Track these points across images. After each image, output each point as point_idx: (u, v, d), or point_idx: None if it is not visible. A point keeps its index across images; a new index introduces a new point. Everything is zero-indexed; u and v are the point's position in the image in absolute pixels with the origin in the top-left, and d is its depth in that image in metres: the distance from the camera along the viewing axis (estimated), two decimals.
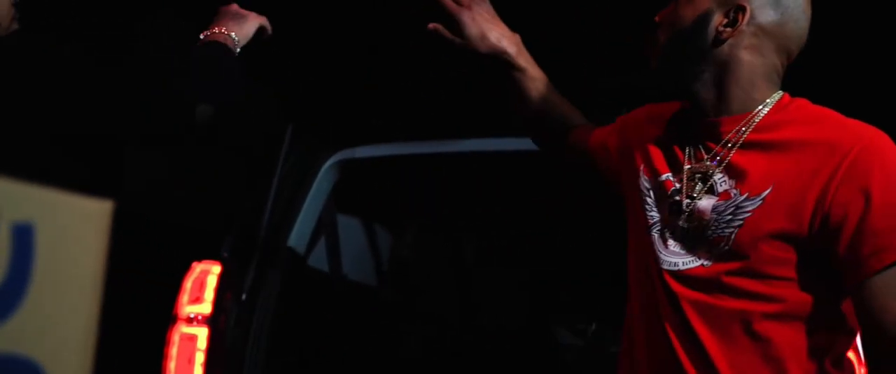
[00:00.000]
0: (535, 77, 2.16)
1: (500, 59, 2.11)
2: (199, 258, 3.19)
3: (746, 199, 1.66)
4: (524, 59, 2.15)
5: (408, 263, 4.10)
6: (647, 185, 1.85)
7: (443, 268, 3.99)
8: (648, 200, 1.83)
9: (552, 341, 3.30)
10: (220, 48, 2.05)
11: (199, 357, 3.09)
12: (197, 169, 5.56)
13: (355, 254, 3.92)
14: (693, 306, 1.70)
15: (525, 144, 3.41)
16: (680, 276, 1.73)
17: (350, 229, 3.87)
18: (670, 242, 1.75)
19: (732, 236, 1.66)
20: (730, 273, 1.66)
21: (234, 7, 2.19)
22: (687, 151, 1.79)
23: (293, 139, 3.35)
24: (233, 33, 2.11)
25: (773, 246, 1.63)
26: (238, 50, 2.12)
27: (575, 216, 3.87)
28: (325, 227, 3.58)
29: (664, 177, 1.81)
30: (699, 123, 1.78)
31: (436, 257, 4.10)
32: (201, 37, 2.12)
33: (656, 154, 1.85)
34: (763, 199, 1.64)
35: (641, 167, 1.88)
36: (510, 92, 2.15)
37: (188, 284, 3.17)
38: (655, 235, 1.79)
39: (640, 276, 1.85)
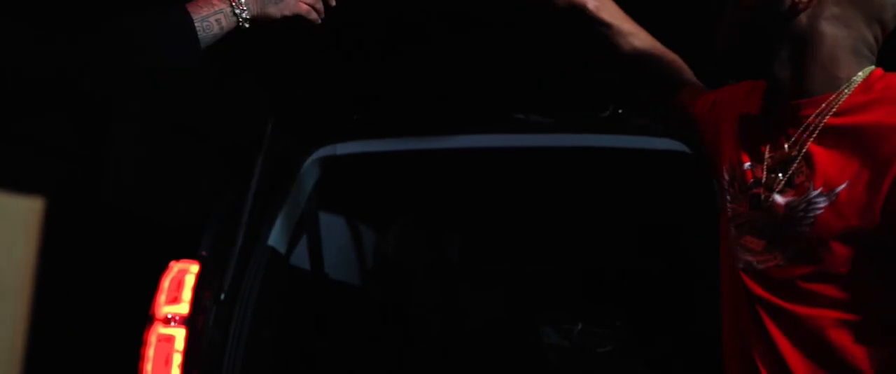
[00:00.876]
0: (624, 32, 2.00)
1: (580, 15, 1.97)
2: (177, 257, 3.11)
3: (819, 194, 1.49)
4: (608, 14, 1.99)
5: (391, 261, 4.03)
6: (729, 174, 1.69)
7: (427, 266, 3.93)
8: (731, 190, 1.68)
9: (538, 341, 3.25)
10: (185, 20, 1.88)
11: (177, 359, 3.01)
12: (175, 165, 5.47)
13: (337, 252, 3.84)
14: (766, 310, 1.56)
15: (510, 140, 3.40)
16: (756, 275, 1.58)
17: (332, 227, 3.80)
18: (749, 238, 1.60)
19: (804, 236, 1.50)
20: (803, 276, 1.51)
21: None
22: (769, 138, 1.62)
23: (273, 135, 3.26)
24: (241, 5, 1.90)
25: (848, 248, 1.46)
26: (244, 23, 1.91)
27: (561, 215, 3.82)
28: (306, 225, 3.50)
29: (746, 166, 1.65)
30: (780, 107, 1.59)
31: (419, 255, 4.04)
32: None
33: (740, 140, 1.68)
34: (837, 195, 1.46)
35: (725, 153, 1.72)
36: (602, 48, 2.00)
37: (165, 283, 3.10)
38: (734, 229, 1.64)
39: (726, 269, 1.69)
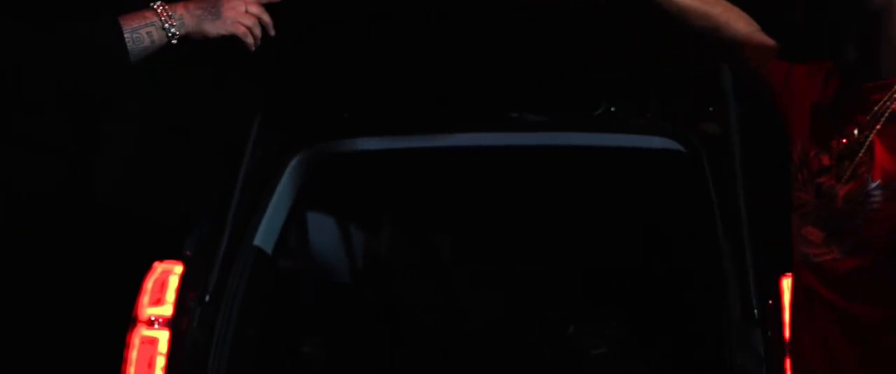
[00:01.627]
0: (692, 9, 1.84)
1: None
2: (161, 257, 3.04)
3: (877, 186, 1.40)
4: None
5: (382, 262, 3.96)
6: (799, 159, 1.60)
7: (418, 267, 3.86)
8: (799, 176, 1.59)
9: (531, 342, 3.18)
10: (114, 31, 1.87)
11: (160, 362, 2.93)
12: (166, 163, 5.41)
13: (326, 252, 3.78)
14: (819, 303, 1.48)
15: (502, 139, 3.34)
16: (812, 267, 1.50)
17: (320, 226, 3.73)
18: (810, 228, 1.52)
19: (859, 230, 1.42)
20: (857, 272, 1.43)
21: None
22: (839, 124, 1.52)
23: (260, 132, 3.19)
24: (172, 20, 1.92)
25: None
26: (172, 39, 1.93)
27: (555, 214, 3.77)
28: (294, 224, 3.44)
29: (814, 154, 1.56)
30: (851, 91, 1.51)
31: (410, 254, 3.96)
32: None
33: (811, 125, 1.59)
34: (894, 188, 1.38)
35: (796, 138, 1.62)
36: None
37: (149, 284, 3.03)
38: (798, 218, 1.56)
39: (795, 258, 1.60)
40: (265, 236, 3.21)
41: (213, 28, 1.96)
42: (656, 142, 3.04)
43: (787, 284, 2.57)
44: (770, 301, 2.57)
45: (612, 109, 3.05)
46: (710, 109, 3.00)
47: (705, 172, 2.88)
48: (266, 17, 2.03)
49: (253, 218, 3.16)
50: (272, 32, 2.04)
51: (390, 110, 3.38)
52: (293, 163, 3.30)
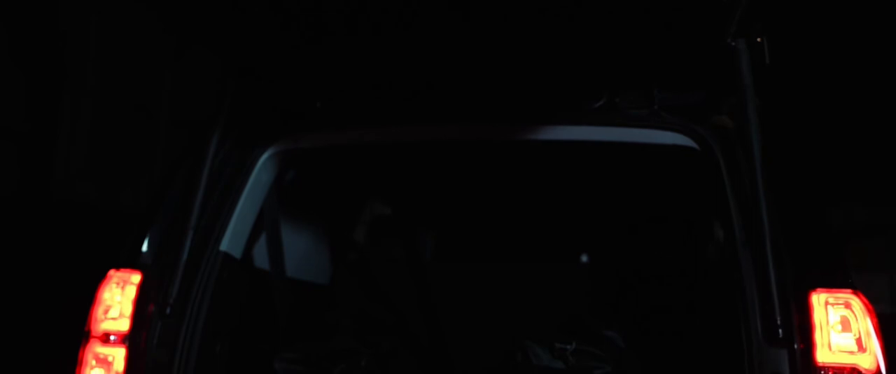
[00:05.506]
0: None
1: None
2: (117, 265, 2.79)
3: None
4: None
5: (361, 265, 3.67)
6: None
7: (402, 270, 3.58)
8: None
9: (528, 365, 2.92)
10: None
11: None
12: (131, 148, 5.14)
13: (300, 256, 3.50)
14: None
15: (495, 133, 3.06)
16: None
17: (293, 227, 3.45)
18: None
19: None
20: None
21: None
22: None
23: (226, 126, 2.89)
24: None
25: None
26: None
27: (561, 213, 3.51)
28: (263, 225, 3.15)
29: None
30: None
31: (393, 257, 3.68)
32: None
33: None
34: None
35: None
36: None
37: (104, 294, 2.75)
38: None
39: None
40: (233, 238, 2.95)
41: None
42: (664, 137, 2.77)
43: (817, 300, 2.34)
44: (797, 319, 2.31)
45: (616, 100, 2.77)
46: (725, 100, 2.73)
47: (720, 170, 2.61)
48: None
49: (218, 220, 2.89)
50: None
51: (368, 99, 3.06)
52: (262, 159, 3.00)
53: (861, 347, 2.33)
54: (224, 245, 2.89)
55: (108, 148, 5.73)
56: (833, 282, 2.38)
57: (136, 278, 2.76)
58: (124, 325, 2.74)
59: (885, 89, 7.01)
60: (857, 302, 2.36)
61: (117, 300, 2.78)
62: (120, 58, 5.85)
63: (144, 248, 2.83)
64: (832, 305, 2.36)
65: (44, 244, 4.55)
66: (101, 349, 2.74)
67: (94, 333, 2.76)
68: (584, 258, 3.60)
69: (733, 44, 2.51)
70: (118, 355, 2.72)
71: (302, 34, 2.75)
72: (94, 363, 2.73)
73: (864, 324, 2.35)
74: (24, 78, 5.52)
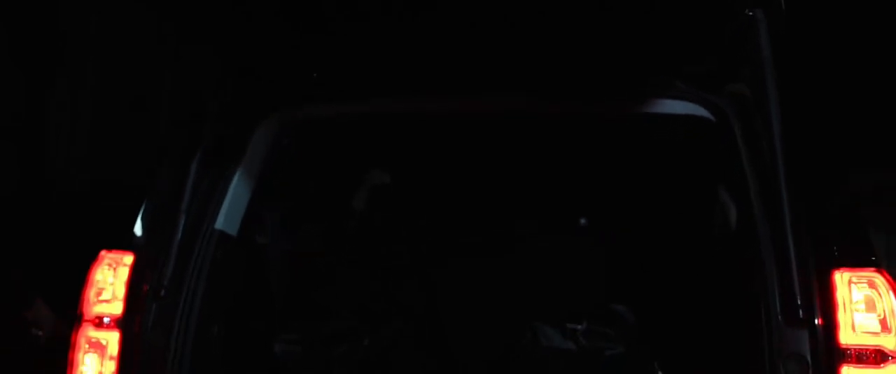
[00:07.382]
0: None
1: None
2: (109, 246, 2.73)
3: None
4: None
5: (364, 244, 3.58)
6: None
7: (408, 251, 3.49)
8: None
9: (538, 345, 2.84)
10: None
11: (110, 367, 2.62)
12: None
13: (300, 234, 3.40)
14: None
15: (506, 103, 2.95)
16: None
17: (293, 204, 3.34)
18: None
19: None
20: None
21: None
22: None
23: (221, 97, 2.82)
24: None
25: None
26: None
27: (561, 203, 3.41)
28: (260, 202, 3.05)
29: None
30: None
31: (399, 235, 3.59)
32: None
33: None
34: None
35: None
36: None
37: (96, 276, 2.68)
38: None
39: None
40: (228, 216, 2.87)
41: None
42: (678, 107, 2.66)
43: (840, 278, 2.25)
44: (818, 299, 2.23)
45: (629, 70, 2.66)
46: (742, 69, 2.62)
47: (736, 142, 2.51)
48: None
49: (213, 196, 2.83)
50: None
51: (371, 68, 2.96)
52: (259, 132, 2.90)
53: (886, 327, 2.26)
54: (219, 223, 2.83)
55: (108, 145, 5.79)
56: (857, 260, 2.30)
57: (129, 259, 2.71)
58: (117, 308, 2.68)
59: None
60: (881, 281, 2.28)
61: (110, 282, 2.73)
62: (119, 55, 5.90)
63: (137, 228, 2.75)
64: (856, 283, 2.28)
65: (43, 240, 4.56)
66: (95, 334, 2.68)
67: (86, 316, 2.71)
68: (595, 235, 3.50)
69: (751, 14, 2.41)
70: (112, 338, 2.66)
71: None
72: (87, 347, 2.68)
73: (889, 303, 2.27)
74: (23, 76, 5.63)
